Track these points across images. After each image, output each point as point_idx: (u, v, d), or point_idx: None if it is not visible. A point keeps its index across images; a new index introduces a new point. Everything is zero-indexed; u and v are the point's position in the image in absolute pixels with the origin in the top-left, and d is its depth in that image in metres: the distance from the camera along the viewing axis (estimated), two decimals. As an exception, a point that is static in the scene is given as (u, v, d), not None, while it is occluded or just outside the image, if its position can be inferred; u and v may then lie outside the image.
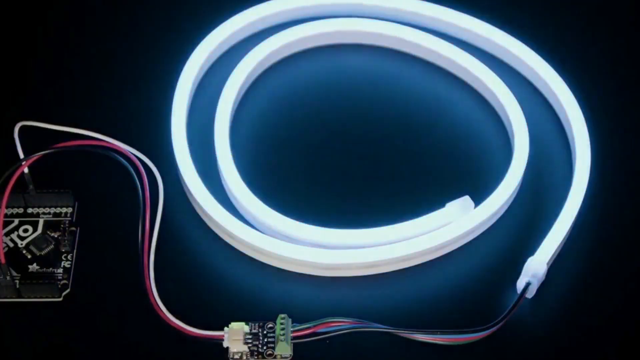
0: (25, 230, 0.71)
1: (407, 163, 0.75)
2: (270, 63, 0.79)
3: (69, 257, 0.70)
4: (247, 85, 0.78)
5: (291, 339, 0.66)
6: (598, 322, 0.68)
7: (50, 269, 0.69)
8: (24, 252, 0.70)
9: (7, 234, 0.70)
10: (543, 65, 0.77)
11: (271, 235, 0.70)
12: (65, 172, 0.73)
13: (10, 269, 0.68)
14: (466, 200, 0.71)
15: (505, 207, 0.72)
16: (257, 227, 0.71)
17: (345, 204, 0.73)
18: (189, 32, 0.79)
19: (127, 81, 0.79)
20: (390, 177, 0.74)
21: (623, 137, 0.76)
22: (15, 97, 0.78)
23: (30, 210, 0.72)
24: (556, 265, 0.69)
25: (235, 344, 0.65)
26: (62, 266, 0.69)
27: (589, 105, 0.75)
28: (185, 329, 0.66)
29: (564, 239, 0.70)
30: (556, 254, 0.69)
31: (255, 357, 0.66)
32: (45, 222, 0.71)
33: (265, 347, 0.66)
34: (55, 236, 0.70)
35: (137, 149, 0.72)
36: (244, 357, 0.66)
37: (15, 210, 0.71)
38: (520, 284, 0.68)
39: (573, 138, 0.74)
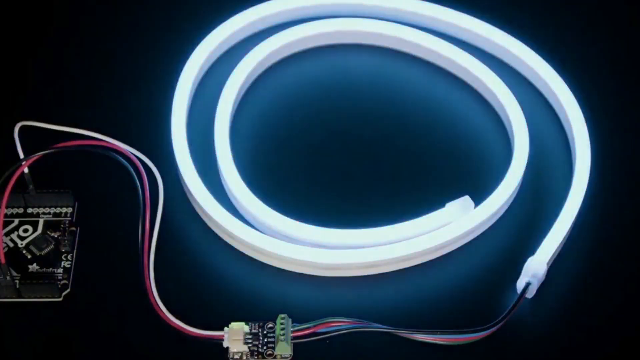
0: (25, 230, 0.71)
1: (407, 163, 0.75)
2: (270, 63, 0.79)
3: (69, 257, 0.70)
4: (247, 85, 0.78)
5: (291, 339, 0.66)
6: (598, 322, 0.68)
7: (50, 269, 0.69)
8: (24, 252, 0.70)
9: (7, 234, 0.70)
10: (543, 65, 0.77)
11: (271, 235, 0.70)
12: (65, 172, 0.73)
13: (10, 269, 0.68)
14: (466, 200, 0.71)
15: (505, 207, 0.72)
16: (257, 227, 0.71)
17: (345, 204, 0.73)
18: (189, 32, 0.79)
19: (127, 81, 0.79)
20: (390, 177, 0.74)
21: (623, 137, 0.76)
22: (15, 97, 0.78)
23: (30, 210, 0.72)
24: (556, 265, 0.69)
25: (235, 344, 0.65)
26: (62, 266, 0.69)
27: (589, 105, 0.75)
28: (185, 329, 0.66)
29: (564, 239, 0.70)
30: (556, 254, 0.69)
31: (255, 357, 0.66)
32: (45, 222, 0.71)
33: (265, 347, 0.66)
34: (55, 236, 0.70)
35: (137, 149, 0.72)
36: (244, 357, 0.66)
37: (15, 210, 0.71)
38: (520, 284, 0.68)
39: (573, 138, 0.74)
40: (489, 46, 0.79)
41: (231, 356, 0.66)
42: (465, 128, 0.76)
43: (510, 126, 0.74)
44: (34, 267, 0.69)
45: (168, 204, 0.71)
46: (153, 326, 0.66)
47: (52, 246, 0.70)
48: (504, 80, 0.76)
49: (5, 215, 0.70)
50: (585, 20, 0.83)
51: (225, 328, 0.66)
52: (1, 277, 0.67)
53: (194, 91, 0.77)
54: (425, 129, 0.76)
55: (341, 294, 0.69)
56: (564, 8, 0.83)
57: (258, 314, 0.67)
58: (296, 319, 0.66)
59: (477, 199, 0.71)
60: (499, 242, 0.71)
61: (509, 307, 0.66)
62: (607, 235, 0.72)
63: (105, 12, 0.82)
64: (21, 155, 0.70)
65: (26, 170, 0.69)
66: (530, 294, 0.68)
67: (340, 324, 0.66)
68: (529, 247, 0.69)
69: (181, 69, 0.76)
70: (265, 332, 0.66)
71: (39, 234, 0.70)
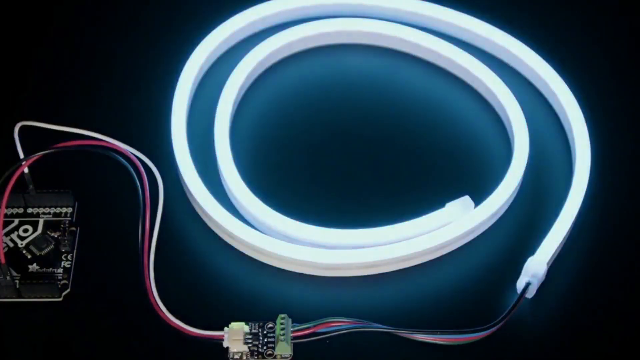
0: (25, 230, 0.71)
1: (407, 163, 0.75)
2: (270, 63, 0.79)
3: (69, 257, 0.70)
4: (247, 85, 0.78)
5: (291, 339, 0.66)
6: (598, 322, 0.68)
7: (50, 269, 0.69)
8: (24, 252, 0.70)
9: (7, 234, 0.70)
10: (543, 65, 0.77)
11: (271, 235, 0.70)
12: (65, 172, 0.73)
13: (10, 269, 0.68)
14: (466, 200, 0.71)
15: (505, 207, 0.72)
16: (257, 227, 0.71)
17: (345, 204, 0.73)
18: (189, 32, 0.79)
19: (127, 81, 0.79)
20: (390, 177, 0.74)
21: (623, 137, 0.76)
22: (15, 97, 0.78)
23: (30, 210, 0.72)
24: (556, 265, 0.69)
25: (235, 344, 0.65)
26: (62, 266, 0.69)
27: (589, 105, 0.75)
28: (185, 329, 0.66)
29: (564, 239, 0.70)
30: (556, 254, 0.69)
31: (255, 357, 0.66)
32: (45, 222, 0.71)
33: (265, 347, 0.66)
34: (55, 236, 0.70)
35: (137, 149, 0.72)
36: (244, 357, 0.66)
37: (15, 210, 0.71)
38: (520, 284, 0.68)
39: (573, 138, 0.74)
40: (489, 46, 0.79)
41: (231, 356, 0.66)
42: (465, 128, 0.76)
43: (510, 126, 0.74)
44: (34, 267, 0.69)
45: (168, 204, 0.71)
46: (153, 326, 0.66)
47: (52, 246, 0.70)
48: (504, 80, 0.76)
49: (5, 215, 0.70)
50: (585, 20, 0.83)
51: (225, 328, 0.66)
52: (1, 277, 0.67)
53: (194, 91, 0.77)
54: (425, 129, 0.76)
55: (341, 294, 0.69)
56: (564, 8, 0.83)
57: (258, 314, 0.67)
58: (296, 319, 0.66)
59: (477, 199, 0.71)
60: (499, 242, 0.71)
61: (509, 307, 0.66)
62: (607, 235, 0.72)
63: (105, 12, 0.82)
64: (21, 155, 0.70)
65: (26, 170, 0.69)
66: (530, 294, 0.68)
67: (340, 324, 0.66)
68: (529, 247, 0.69)
69: (181, 69, 0.76)
70: (265, 332, 0.66)
71: (39, 234, 0.70)
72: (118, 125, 0.74)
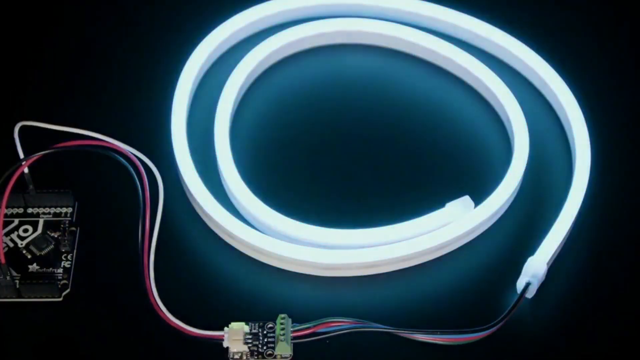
0: (25, 230, 0.71)
1: (407, 163, 0.75)
2: (270, 63, 0.79)
3: (69, 257, 0.70)
4: (247, 85, 0.78)
5: (291, 339, 0.66)
6: (598, 322, 0.68)
7: (50, 269, 0.69)
8: (24, 252, 0.70)
9: (7, 234, 0.70)
10: (543, 65, 0.77)
11: (271, 235, 0.70)
12: (65, 172, 0.73)
13: (10, 269, 0.68)
14: (466, 200, 0.71)
15: (505, 207, 0.72)
16: (257, 227, 0.71)
17: (346, 204, 0.73)
18: (189, 32, 0.79)
19: (127, 81, 0.79)
20: (390, 177, 0.74)
21: (623, 137, 0.76)
22: (15, 97, 0.78)
23: (30, 210, 0.72)
24: (556, 265, 0.69)
25: (235, 344, 0.65)
26: (62, 266, 0.69)
27: (589, 105, 0.75)
28: (185, 329, 0.66)
29: (564, 239, 0.70)
30: (556, 254, 0.69)
31: (255, 357, 0.66)
32: (45, 222, 0.71)
33: (265, 347, 0.66)
34: (55, 236, 0.70)
35: (137, 149, 0.72)
36: (244, 357, 0.66)
37: (15, 210, 0.71)
38: (520, 284, 0.68)
39: (573, 138, 0.74)
40: (489, 46, 0.79)
41: (231, 356, 0.66)
42: (465, 128, 0.76)
43: (510, 126, 0.74)
44: (34, 267, 0.69)
45: (168, 204, 0.71)
46: (153, 326, 0.66)
47: (52, 246, 0.70)
48: (504, 80, 0.76)
49: (5, 215, 0.70)
50: (585, 20, 0.83)
51: (225, 328, 0.66)
52: (1, 277, 0.67)
53: (194, 91, 0.77)
54: (425, 129, 0.76)
55: (341, 294, 0.69)
56: (564, 8, 0.83)
57: (258, 314, 0.67)
58: (296, 319, 0.66)
59: (477, 199, 0.71)
60: (499, 242, 0.71)
61: (509, 307, 0.66)
62: (607, 235, 0.72)
63: (105, 12, 0.82)
64: (21, 155, 0.70)
65: (26, 170, 0.69)
66: (530, 294, 0.68)
67: (340, 324, 0.66)
68: (529, 247, 0.69)
69: (181, 69, 0.76)
70: (265, 332, 0.66)
71: (39, 234, 0.70)
72: (118, 125, 0.74)
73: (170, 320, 0.66)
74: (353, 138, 0.76)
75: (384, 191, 0.73)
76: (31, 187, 0.70)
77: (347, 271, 0.69)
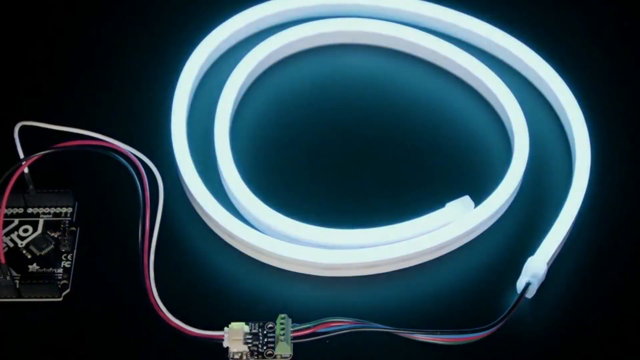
0: (25, 230, 0.71)
1: (407, 163, 0.75)
2: (270, 63, 0.79)
3: (69, 257, 0.70)
4: (247, 85, 0.78)
5: (291, 339, 0.66)
6: (598, 322, 0.68)
7: (50, 269, 0.69)
8: (24, 252, 0.70)
9: (7, 234, 0.70)
10: (543, 65, 0.77)
11: (271, 235, 0.70)
12: (65, 172, 0.73)
13: (10, 269, 0.68)
14: (466, 200, 0.71)
15: (505, 207, 0.72)
16: (257, 227, 0.71)
17: (346, 204, 0.73)
18: (189, 32, 0.79)
19: (127, 81, 0.78)
20: (390, 177, 0.74)
21: (623, 137, 0.76)
22: (15, 97, 0.78)
23: (30, 210, 0.72)
24: (556, 265, 0.69)
25: (235, 344, 0.65)
26: (62, 266, 0.69)
27: (589, 105, 0.75)
28: (185, 329, 0.66)
29: (564, 239, 0.70)
30: (556, 254, 0.69)
31: (255, 357, 0.66)
32: (45, 222, 0.71)
33: (265, 347, 0.66)
34: (55, 236, 0.70)
35: (137, 149, 0.72)
36: (244, 357, 0.66)
37: (15, 210, 0.71)
38: (520, 284, 0.68)
39: (573, 138, 0.74)
40: (489, 46, 0.79)
41: (231, 356, 0.66)
42: (465, 128, 0.76)
43: (510, 126, 0.74)
44: (34, 267, 0.69)
45: (168, 204, 0.71)
46: (153, 326, 0.66)
47: (52, 246, 0.70)
48: (504, 80, 0.76)
49: (5, 215, 0.70)
50: (585, 20, 0.83)
51: (225, 328, 0.66)
52: (1, 277, 0.67)
53: (194, 91, 0.77)
54: (425, 129, 0.76)
55: (341, 294, 0.69)
56: (564, 8, 0.83)
57: (258, 314, 0.67)
58: (296, 319, 0.66)
59: (477, 199, 0.71)
60: (499, 242, 0.71)
61: (509, 307, 0.66)
62: (607, 235, 0.72)
63: (105, 12, 0.82)
64: (21, 155, 0.70)
65: (26, 170, 0.69)
66: (530, 294, 0.68)
67: (340, 324, 0.66)
68: (529, 247, 0.69)
69: (181, 69, 0.76)
70: (265, 332, 0.66)
71: (39, 234, 0.70)
72: (118, 125, 0.74)
73: (170, 320, 0.66)
74: (353, 138, 0.76)
75: (383, 191, 0.73)
76: (31, 187, 0.70)
77: (347, 271, 0.69)
